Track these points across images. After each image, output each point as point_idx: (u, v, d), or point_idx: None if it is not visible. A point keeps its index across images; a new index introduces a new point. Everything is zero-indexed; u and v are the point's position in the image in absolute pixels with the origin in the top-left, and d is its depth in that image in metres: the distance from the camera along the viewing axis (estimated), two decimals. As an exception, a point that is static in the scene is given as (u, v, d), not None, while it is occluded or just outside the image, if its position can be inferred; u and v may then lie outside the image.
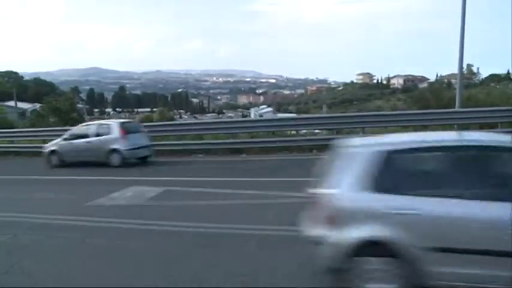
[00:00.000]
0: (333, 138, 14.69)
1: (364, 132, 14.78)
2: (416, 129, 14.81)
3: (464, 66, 18.20)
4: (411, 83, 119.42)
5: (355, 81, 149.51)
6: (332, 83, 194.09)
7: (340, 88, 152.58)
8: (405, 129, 15.07)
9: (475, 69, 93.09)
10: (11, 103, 48.79)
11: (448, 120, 14.72)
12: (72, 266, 5.31)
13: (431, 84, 57.57)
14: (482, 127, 14.17)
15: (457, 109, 14.99)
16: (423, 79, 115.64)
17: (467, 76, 76.44)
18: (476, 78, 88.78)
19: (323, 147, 14.83)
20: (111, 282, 4.81)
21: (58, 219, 7.49)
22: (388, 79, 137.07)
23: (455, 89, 18.29)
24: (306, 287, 4.43)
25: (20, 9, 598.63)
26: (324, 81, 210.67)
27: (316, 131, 17.80)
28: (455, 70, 16.18)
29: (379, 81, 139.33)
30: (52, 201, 9.33)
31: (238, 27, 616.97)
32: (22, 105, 53.97)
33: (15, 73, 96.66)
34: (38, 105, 50.47)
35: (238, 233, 6.15)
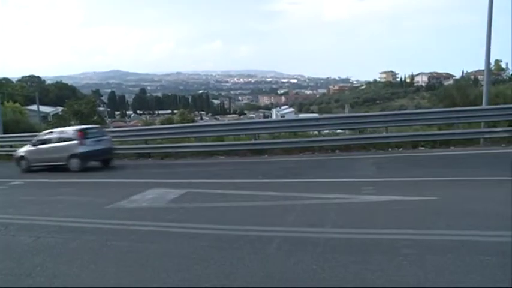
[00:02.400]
0: (356, 138, 14.63)
1: (388, 131, 14.63)
2: (441, 127, 14.60)
3: (492, 62, 17.88)
4: (436, 81, 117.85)
5: (378, 79, 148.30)
6: (354, 82, 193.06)
7: (363, 87, 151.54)
8: (430, 128, 14.87)
9: (503, 65, 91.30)
10: (34, 107, 49.79)
11: (474, 118, 14.45)
12: (94, 269, 5.37)
13: (457, 81, 56.54)
14: (511, 124, 13.87)
15: (484, 106, 14.69)
16: (448, 76, 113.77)
17: (495, 72, 75.07)
18: (505, 74, 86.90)
19: (346, 147, 14.83)
20: (132, 285, 4.85)
21: (80, 221, 7.59)
22: (412, 77, 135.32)
23: (482, 85, 17.93)
24: (328, 287, 4.39)
25: (41, 15, 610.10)
26: (346, 80, 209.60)
27: (339, 131, 17.71)
28: (482, 66, 15.87)
29: (403, 79, 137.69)
30: (73, 204, 9.47)
31: (258, 27, 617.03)
32: (44, 109, 55.06)
33: (38, 77, 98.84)
34: (59, 109, 51.51)
35: (259, 235, 6.14)
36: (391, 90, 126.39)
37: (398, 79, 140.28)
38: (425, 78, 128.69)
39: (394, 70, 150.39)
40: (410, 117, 15.66)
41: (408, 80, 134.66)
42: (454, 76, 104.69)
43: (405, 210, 6.90)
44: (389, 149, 14.37)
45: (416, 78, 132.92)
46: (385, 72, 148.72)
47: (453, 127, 14.43)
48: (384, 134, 14.68)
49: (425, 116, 15.19)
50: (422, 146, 14.29)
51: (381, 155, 13.54)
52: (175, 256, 5.66)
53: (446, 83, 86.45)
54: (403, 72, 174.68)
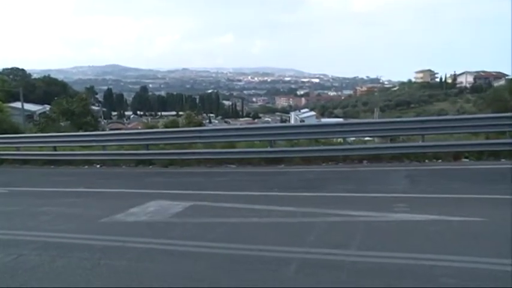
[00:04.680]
0: (387, 148, 14.53)
1: (424, 140, 14.50)
2: (489, 136, 14.40)
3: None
4: (484, 81, 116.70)
5: (413, 80, 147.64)
6: (385, 82, 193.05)
7: (396, 88, 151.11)
8: (475, 136, 14.67)
9: None
10: (17, 104, 49.99)
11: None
12: (85, 291, 5.39)
13: (510, 81, 55.77)
14: None
15: (544, 111, 14.40)
16: (499, 76, 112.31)
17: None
18: None
19: (375, 157, 14.74)
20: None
21: (69, 237, 7.63)
22: (454, 77, 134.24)
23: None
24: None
25: None
26: (376, 80, 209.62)
27: (367, 138, 17.61)
28: (543, 63, 15.60)
29: (443, 79, 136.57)
30: (63, 216, 9.52)
31: (276, 18, 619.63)
32: (30, 106, 55.36)
33: (23, 70, 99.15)
34: (48, 107, 51.87)
35: (274, 256, 6.12)
36: (428, 92, 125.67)
37: (438, 79, 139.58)
38: (470, 78, 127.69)
39: (432, 69, 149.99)
40: (452, 123, 15.47)
41: (449, 81, 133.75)
42: (506, 75, 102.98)
43: (444, 233, 6.83)
44: (426, 160, 14.22)
45: (460, 78, 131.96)
46: (421, 72, 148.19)
47: (504, 136, 14.17)
48: (420, 143, 14.53)
49: (469, 122, 14.98)
50: (466, 158, 14.10)
51: (416, 167, 13.42)
52: (178, 278, 5.66)
53: (496, 83, 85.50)
54: (443, 71, 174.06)
